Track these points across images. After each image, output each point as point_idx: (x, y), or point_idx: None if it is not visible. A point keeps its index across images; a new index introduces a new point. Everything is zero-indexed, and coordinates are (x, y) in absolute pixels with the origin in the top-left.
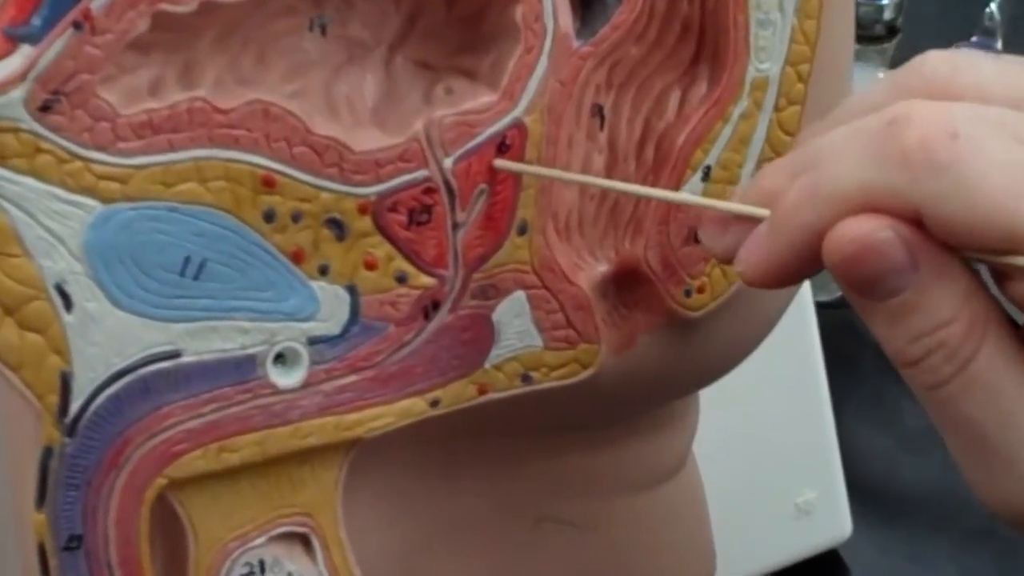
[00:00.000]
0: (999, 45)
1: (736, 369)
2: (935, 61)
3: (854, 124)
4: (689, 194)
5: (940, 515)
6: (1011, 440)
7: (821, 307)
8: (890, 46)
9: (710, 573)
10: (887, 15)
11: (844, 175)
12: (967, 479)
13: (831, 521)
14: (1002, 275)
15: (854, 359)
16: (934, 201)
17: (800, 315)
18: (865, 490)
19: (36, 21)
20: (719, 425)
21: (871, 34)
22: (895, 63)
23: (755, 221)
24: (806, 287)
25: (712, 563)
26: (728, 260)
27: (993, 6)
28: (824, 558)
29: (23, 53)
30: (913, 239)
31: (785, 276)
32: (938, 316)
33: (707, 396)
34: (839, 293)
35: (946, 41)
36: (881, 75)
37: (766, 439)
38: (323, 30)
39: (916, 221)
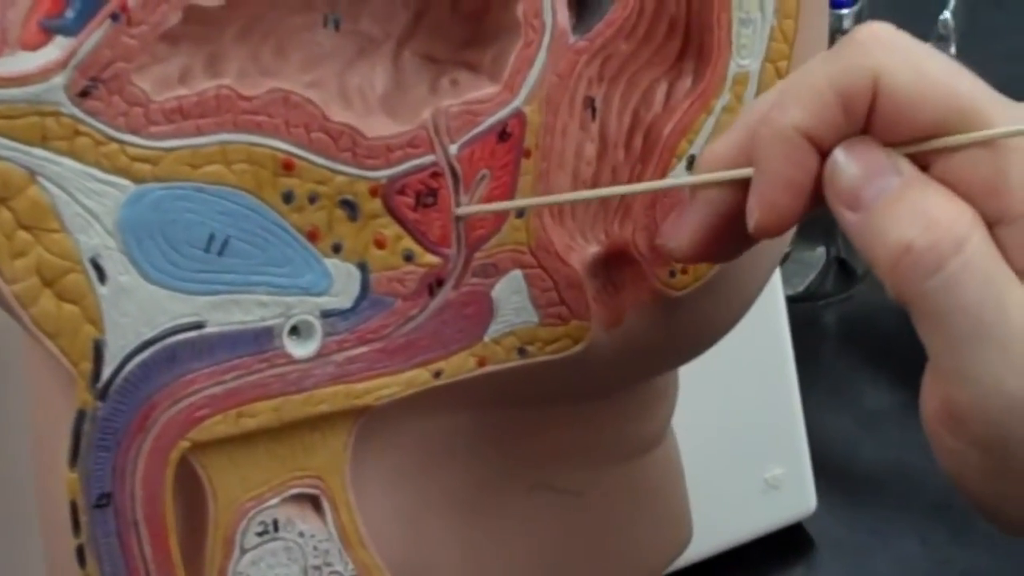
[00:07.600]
0: (953, 51)
1: (712, 354)
2: None
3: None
4: (670, 180)
5: (899, 491)
6: (1005, 324)
7: (788, 301)
8: None
9: (688, 537)
10: (846, 24)
11: (814, 72)
12: (952, 379)
13: (797, 496)
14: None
15: (817, 349)
16: (891, 69)
17: (771, 306)
18: (829, 469)
19: (69, 14)
20: (695, 406)
21: (831, 42)
22: None
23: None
24: (776, 279)
25: (690, 528)
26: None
27: (947, 14)
28: (791, 531)
29: (58, 44)
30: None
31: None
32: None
33: (685, 379)
34: (803, 288)
35: None
36: None
37: (738, 419)
38: (336, 25)
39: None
